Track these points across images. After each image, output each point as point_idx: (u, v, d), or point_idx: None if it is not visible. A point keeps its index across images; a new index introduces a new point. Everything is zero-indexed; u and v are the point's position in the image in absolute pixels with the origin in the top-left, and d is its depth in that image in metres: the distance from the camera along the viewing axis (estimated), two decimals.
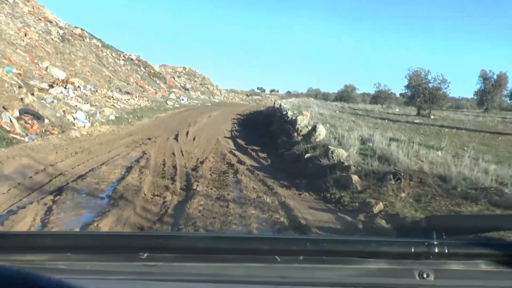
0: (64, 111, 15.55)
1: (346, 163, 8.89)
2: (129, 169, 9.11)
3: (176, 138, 15.37)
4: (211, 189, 7.98)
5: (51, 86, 21.14)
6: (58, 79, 22.02)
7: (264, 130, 19.61)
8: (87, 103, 20.40)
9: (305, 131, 14.58)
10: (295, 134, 14.67)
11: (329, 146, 10.32)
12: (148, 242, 1.37)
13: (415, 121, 30.50)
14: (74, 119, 15.51)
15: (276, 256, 1.31)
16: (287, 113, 19.74)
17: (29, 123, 12.34)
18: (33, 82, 19.57)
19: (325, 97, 79.26)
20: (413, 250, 1.34)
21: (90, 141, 12.97)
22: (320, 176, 8.74)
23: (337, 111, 29.39)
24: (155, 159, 10.81)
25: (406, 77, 38.67)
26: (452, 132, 23.44)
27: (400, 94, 63.75)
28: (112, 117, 18.79)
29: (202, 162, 10.87)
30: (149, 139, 14.61)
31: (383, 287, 1.30)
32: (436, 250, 1.33)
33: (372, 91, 65.36)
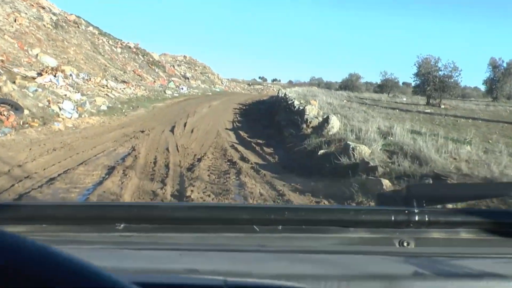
0: (49, 101, 14.08)
1: (371, 163, 7.43)
2: (111, 170, 7.65)
3: (172, 130, 13.92)
4: (209, 195, 6.55)
5: (39, 74, 19.70)
6: (47, 67, 20.55)
7: (269, 121, 18.14)
8: (78, 92, 18.94)
9: (315, 122, 13.11)
10: (304, 126, 13.20)
11: (348, 142, 8.84)
12: (125, 212, 1.34)
13: (426, 110, 28.95)
14: (60, 109, 14.05)
15: (254, 226, 1.29)
16: (293, 102, 18.25)
17: (4, 115, 10.88)
18: (19, 69, 18.13)
19: (327, 86, 77.59)
20: (393, 218, 1.31)
21: (74, 135, 11.52)
22: (339, 179, 7.28)
23: (345, 101, 27.82)
24: (145, 156, 9.36)
25: (415, 64, 36.92)
26: (469, 123, 21.92)
27: (403, 83, 62.38)
28: (103, 107, 17.33)
29: (199, 160, 9.43)
30: (142, 131, 13.16)
31: (361, 254, 1.21)
32: (417, 218, 1.31)
33: (377, 80, 63.75)
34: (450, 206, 2.03)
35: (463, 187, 2.31)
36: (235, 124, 17.41)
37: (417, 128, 14.26)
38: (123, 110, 18.47)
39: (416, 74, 37.08)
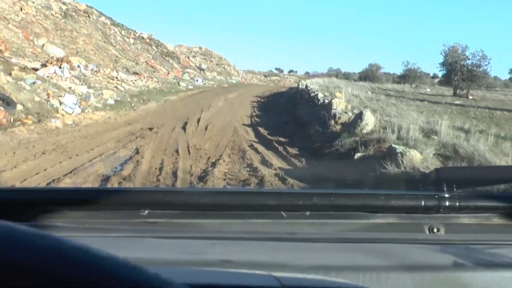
0: (48, 95, 12.75)
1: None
2: (103, 183, 6.24)
3: (184, 127, 12.51)
4: None
5: (44, 65, 18.46)
6: (52, 58, 19.28)
7: (290, 116, 16.63)
8: (84, 85, 17.65)
9: (344, 118, 11.59)
10: (332, 122, 11.68)
11: (393, 145, 7.29)
12: (149, 198, 1.30)
13: (456, 102, 27.14)
14: (60, 104, 12.71)
15: (282, 212, 1.25)
16: (316, 95, 16.70)
17: None
18: (21, 60, 16.87)
19: (346, 77, 75.58)
20: (423, 203, 1.28)
21: (72, 134, 10.16)
22: None
23: (369, 92, 26.11)
24: (149, 161, 7.94)
25: (441, 53, 34.83)
26: (506, 116, 20.18)
27: (423, 73, 60.01)
28: (111, 101, 15.97)
29: (214, 164, 8.00)
30: (151, 129, 11.77)
31: (392, 242, 1.17)
32: (447, 203, 1.28)
33: (397, 70, 61.82)
34: (481, 190, 1.56)
35: (494, 170, 2.14)
36: (253, 120, 15.94)
37: (458, 124, 12.68)
38: (132, 104, 17.11)
39: (443, 64, 35.02)
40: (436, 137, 9.14)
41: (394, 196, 1.36)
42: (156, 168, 7.42)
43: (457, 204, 1.28)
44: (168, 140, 10.39)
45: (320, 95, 16.15)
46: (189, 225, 1.24)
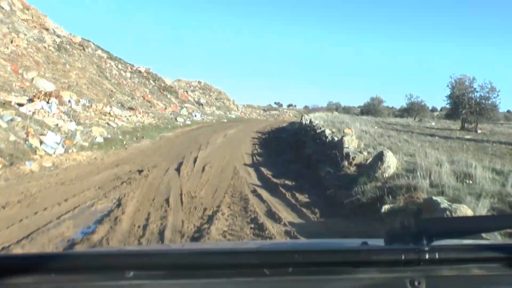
0: (27, 133, 11.43)
1: None
2: (68, 249, 4.84)
3: (178, 168, 11.17)
4: None
5: (30, 100, 17.25)
6: (40, 92, 18.06)
7: (295, 154, 15.30)
8: (73, 121, 16.38)
9: (359, 158, 10.27)
10: (345, 163, 10.33)
11: (433, 198, 5.89)
12: (133, 260, 1.29)
13: (466, 137, 25.82)
14: (41, 143, 11.39)
15: (264, 270, 1.26)
16: (323, 131, 15.38)
17: None
18: (6, 95, 15.65)
19: (346, 111, 74.70)
20: (403, 257, 1.28)
21: (48, 179, 8.78)
22: None
23: (376, 127, 24.83)
24: (132, 216, 6.55)
25: (447, 86, 33.63)
26: None
27: (426, 106, 58.94)
28: (100, 139, 14.65)
29: (211, 219, 6.64)
30: (140, 171, 10.42)
31: None
32: (427, 256, 1.28)
33: (398, 103, 60.71)
34: (460, 241, 1.59)
35: (474, 220, 2.04)
36: (255, 158, 14.59)
37: (485, 163, 11.33)
38: (124, 142, 15.79)
39: (449, 96, 33.79)
40: (471, 182, 7.80)
41: (375, 251, 1.37)
42: (139, 227, 6.02)
43: (437, 256, 1.27)
44: (159, 185, 9.02)
45: (327, 132, 14.84)
46: (174, 286, 1.24)
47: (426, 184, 6.97)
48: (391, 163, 8.57)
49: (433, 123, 41.36)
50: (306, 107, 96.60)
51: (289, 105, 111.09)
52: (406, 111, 52.43)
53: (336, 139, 13.10)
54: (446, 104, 35.83)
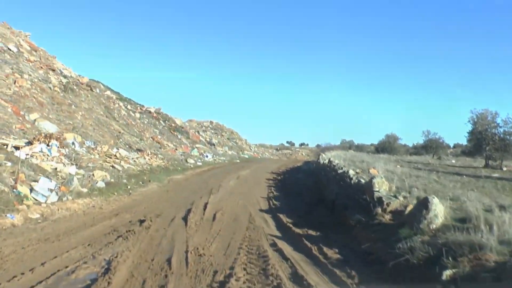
0: (16, 179, 10.18)
1: None
2: None
3: (186, 217, 9.82)
4: None
5: (29, 143, 16.13)
6: (40, 134, 16.95)
7: (315, 197, 13.88)
8: (74, 164, 15.17)
9: (395, 205, 8.84)
10: (379, 210, 8.88)
11: None
12: None
13: (494, 175, 24.19)
14: (31, 191, 10.12)
15: None
16: (346, 172, 13.94)
17: None
18: (3, 137, 14.54)
19: (360, 148, 73.04)
20: None
21: (29, 235, 7.43)
22: None
23: (398, 166, 23.31)
24: (123, 286, 5.15)
25: (469, 121, 32.02)
26: None
27: (445, 144, 57.16)
28: (100, 184, 13.37)
29: (222, 287, 5.22)
30: (142, 221, 9.08)
31: None
32: None
33: (409, 140, 59.01)
34: None
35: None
36: (271, 203, 13.17)
37: None
38: (128, 186, 14.49)
39: (471, 132, 32.17)
40: None
41: None
42: None
43: None
44: (161, 240, 7.63)
45: (351, 172, 13.42)
46: None
47: (493, 241, 5.51)
48: (439, 212, 7.12)
49: (453, 161, 39.64)
50: (318, 146, 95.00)
51: (301, 144, 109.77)
52: (423, 148, 50.72)
53: (362, 181, 11.68)
54: (469, 140, 34.10)
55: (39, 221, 8.63)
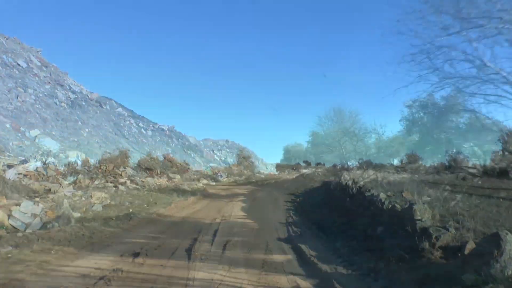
0: None
1: None
2: None
3: (190, 248, 8.24)
4: None
5: (24, 161, 14.77)
6: (37, 152, 15.61)
7: (341, 226, 12.14)
8: (71, 184, 13.73)
9: (446, 239, 7.13)
10: (426, 244, 7.17)
11: None
12: None
13: None
14: (9, 217, 8.62)
15: None
16: (376, 195, 12.20)
17: None
18: None
19: (378, 168, 70.80)
20: None
21: None
22: None
23: (426, 188, 21.44)
24: None
25: (499, 140, 30.18)
26: None
27: (467, 162, 54.79)
28: (97, 207, 11.85)
29: None
30: (136, 255, 7.50)
31: None
32: None
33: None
34: None
35: None
36: (291, 230, 11.51)
37: None
38: (130, 210, 12.94)
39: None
40: None
41: None
42: None
43: None
44: (155, 282, 6.02)
45: (382, 196, 11.70)
46: None
47: None
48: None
49: (480, 182, 37.54)
50: (335, 166, 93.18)
51: (318, 163, 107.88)
52: (447, 169, 48.52)
53: (397, 206, 10.00)
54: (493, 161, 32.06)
55: (9, 255, 7.09)
